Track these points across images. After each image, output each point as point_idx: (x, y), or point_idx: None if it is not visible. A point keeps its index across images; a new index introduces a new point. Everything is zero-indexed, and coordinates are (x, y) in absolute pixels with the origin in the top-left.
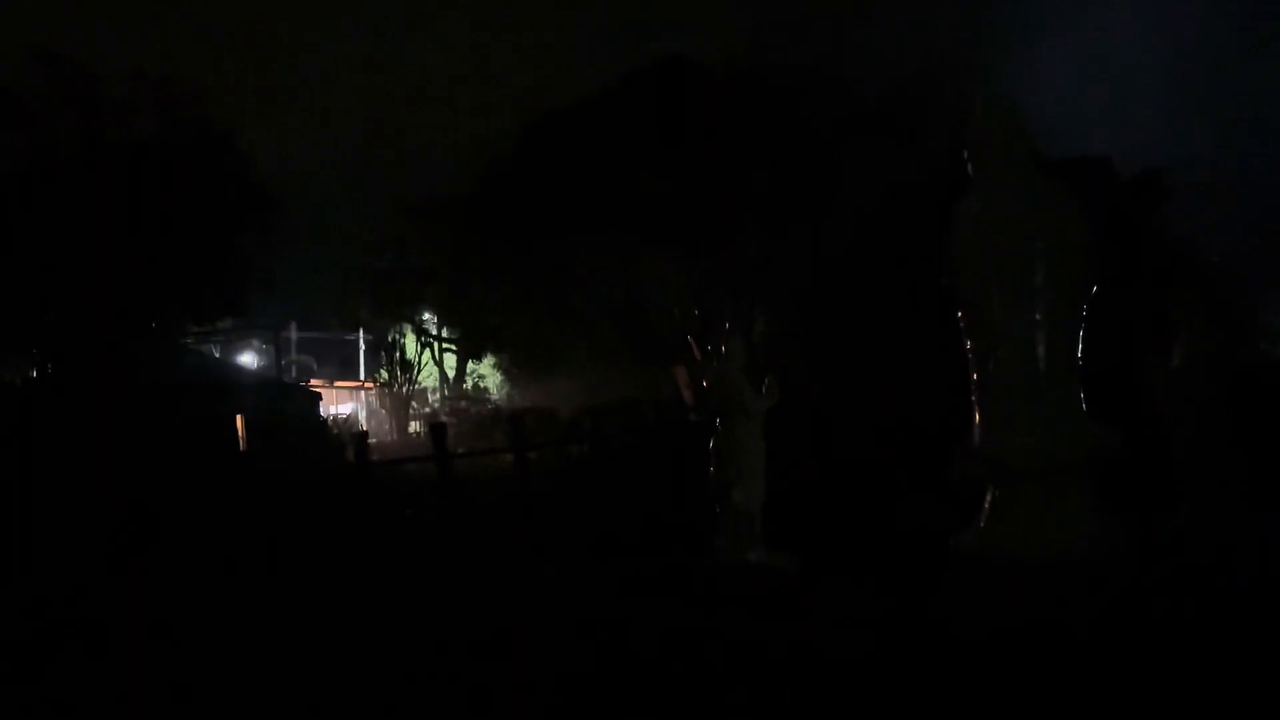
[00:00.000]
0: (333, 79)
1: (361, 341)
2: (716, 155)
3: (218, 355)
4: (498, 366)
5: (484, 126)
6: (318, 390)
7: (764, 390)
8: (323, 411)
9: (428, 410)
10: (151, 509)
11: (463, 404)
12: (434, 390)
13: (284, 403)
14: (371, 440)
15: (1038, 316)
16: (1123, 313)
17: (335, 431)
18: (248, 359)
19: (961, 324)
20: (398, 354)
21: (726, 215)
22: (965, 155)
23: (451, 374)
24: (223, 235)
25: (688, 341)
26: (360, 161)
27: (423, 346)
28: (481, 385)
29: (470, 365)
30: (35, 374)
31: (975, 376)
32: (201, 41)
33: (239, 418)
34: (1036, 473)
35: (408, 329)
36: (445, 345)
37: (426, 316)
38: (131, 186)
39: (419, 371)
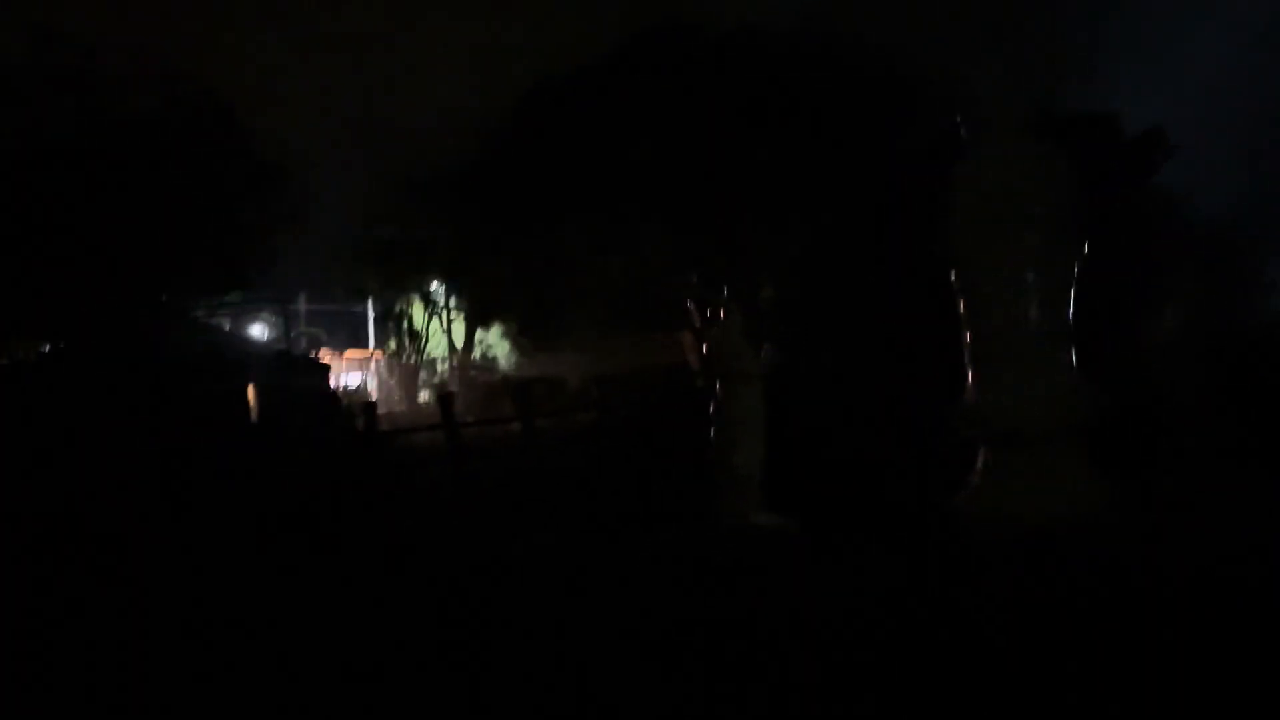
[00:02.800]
0: (335, 51)
1: (370, 312)
2: (716, 123)
3: (228, 329)
4: (506, 335)
5: (489, 97)
6: (327, 362)
7: (763, 354)
8: (333, 382)
9: (436, 380)
10: (169, 481)
11: (471, 373)
12: (443, 360)
13: (295, 374)
14: (381, 410)
15: (1029, 279)
16: (1120, 275)
17: (345, 402)
18: (258, 331)
19: (955, 288)
20: (405, 324)
21: (728, 182)
22: (959, 120)
23: (460, 343)
24: (226, 210)
25: (691, 308)
26: (365, 133)
27: (430, 316)
28: (490, 355)
29: (479, 334)
30: (47, 350)
31: (969, 340)
32: (200, 17)
33: (250, 390)
34: (1027, 435)
35: (415, 299)
36: (453, 315)
37: (434, 286)
38: (133, 163)
39: (427, 341)
